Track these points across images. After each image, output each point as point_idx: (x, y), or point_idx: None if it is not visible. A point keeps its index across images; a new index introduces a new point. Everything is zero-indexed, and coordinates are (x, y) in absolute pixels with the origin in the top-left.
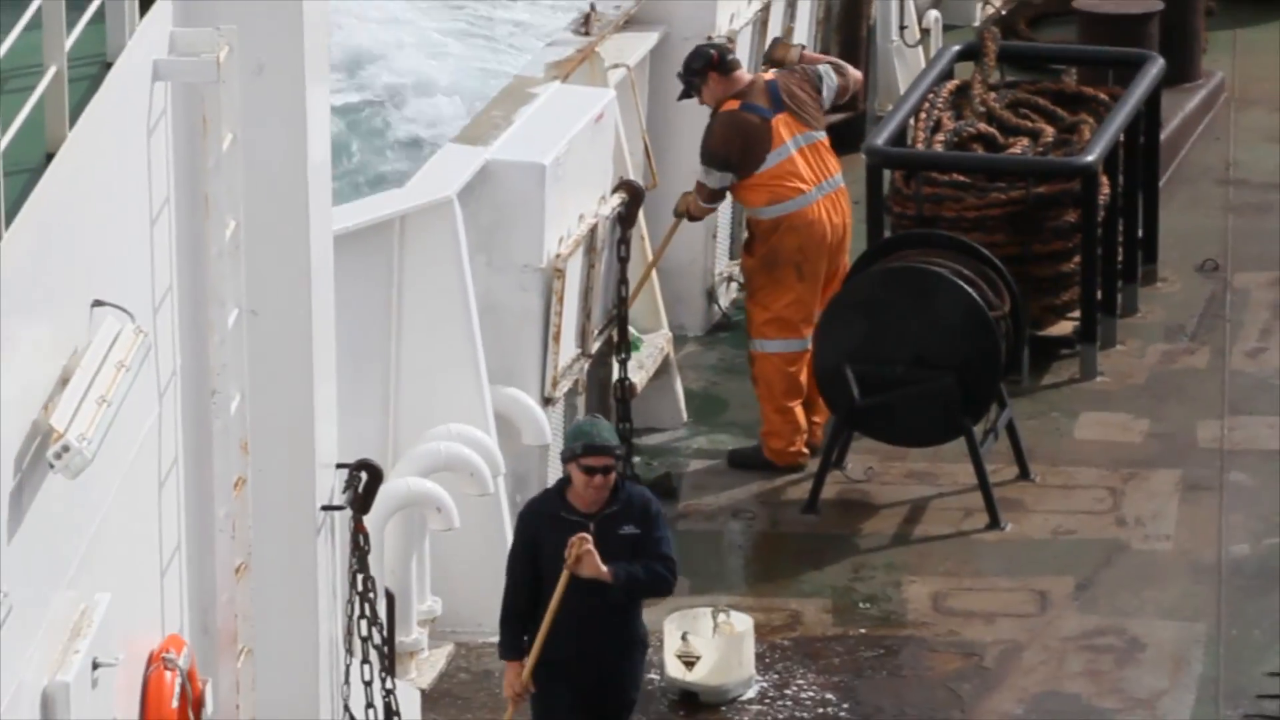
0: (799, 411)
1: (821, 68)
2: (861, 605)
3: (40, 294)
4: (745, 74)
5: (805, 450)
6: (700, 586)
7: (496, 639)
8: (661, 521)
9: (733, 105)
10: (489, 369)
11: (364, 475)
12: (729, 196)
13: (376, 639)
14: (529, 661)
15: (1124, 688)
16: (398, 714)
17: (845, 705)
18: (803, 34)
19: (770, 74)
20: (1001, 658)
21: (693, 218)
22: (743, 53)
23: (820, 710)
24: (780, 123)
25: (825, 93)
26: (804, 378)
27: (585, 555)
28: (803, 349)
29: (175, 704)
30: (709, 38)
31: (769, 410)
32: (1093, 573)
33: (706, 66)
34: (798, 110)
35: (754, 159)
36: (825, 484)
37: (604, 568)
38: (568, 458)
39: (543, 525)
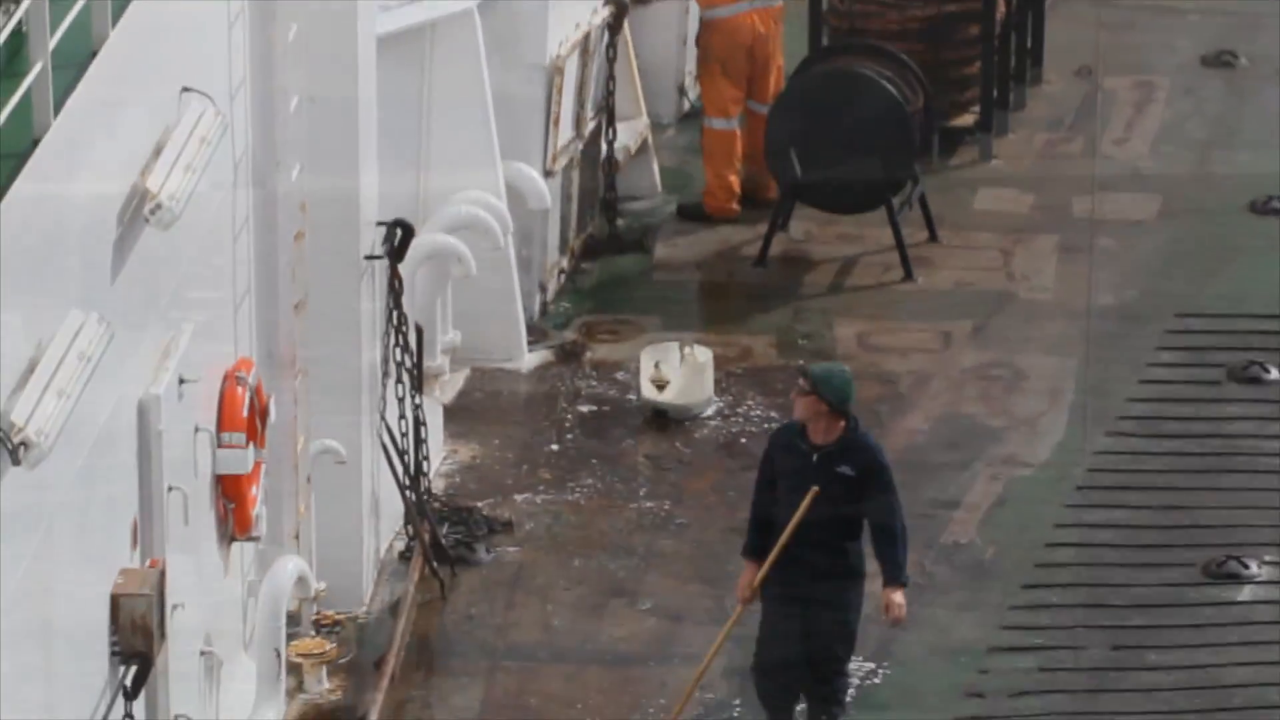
0: (732, 178)
1: None
2: (800, 341)
3: (139, 81)
4: None
5: (735, 207)
6: (669, 324)
7: (510, 363)
8: (887, 475)
9: None
10: (501, 147)
11: (399, 231)
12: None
13: (408, 363)
14: (762, 569)
15: (1010, 410)
16: (424, 424)
17: (785, 421)
18: None
19: None
20: (913, 385)
21: None
22: None
23: (765, 425)
24: None
25: None
26: (737, 153)
27: (900, 615)
28: (731, 128)
29: (245, 413)
30: None
31: (710, 173)
32: (986, 317)
33: None
34: None
35: None
36: (772, 243)
37: (901, 601)
38: None
39: (780, 449)
